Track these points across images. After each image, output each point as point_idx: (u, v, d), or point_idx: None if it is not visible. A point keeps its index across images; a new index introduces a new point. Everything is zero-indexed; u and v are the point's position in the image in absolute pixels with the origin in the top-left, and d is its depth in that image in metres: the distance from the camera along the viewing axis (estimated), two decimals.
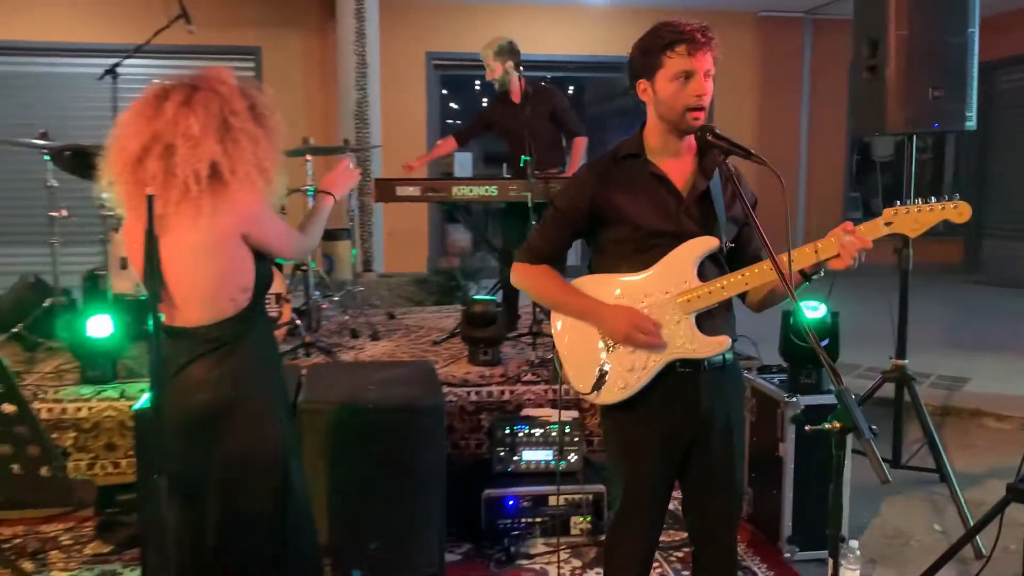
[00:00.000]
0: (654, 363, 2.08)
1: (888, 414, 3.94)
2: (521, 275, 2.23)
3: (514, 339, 4.45)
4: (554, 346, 2.23)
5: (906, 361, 3.75)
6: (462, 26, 9.29)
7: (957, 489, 3.50)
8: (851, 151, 10.74)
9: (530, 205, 4.14)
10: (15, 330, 4.29)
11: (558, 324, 2.20)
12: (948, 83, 3.36)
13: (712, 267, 2.11)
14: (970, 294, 9.01)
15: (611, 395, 2.12)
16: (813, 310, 3.25)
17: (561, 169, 4.92)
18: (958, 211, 1.98)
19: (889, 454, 3.92)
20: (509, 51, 4.91)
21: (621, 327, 2.05)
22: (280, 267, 4.29)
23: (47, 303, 4.37)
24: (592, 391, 2.12)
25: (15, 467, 1.29)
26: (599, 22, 9.40)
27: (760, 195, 2.21)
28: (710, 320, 2.11)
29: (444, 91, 10.06)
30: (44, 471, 1.27)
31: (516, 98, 4.93)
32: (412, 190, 4.42)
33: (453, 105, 11.70)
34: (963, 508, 3.44)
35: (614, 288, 2.12)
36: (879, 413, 4.43)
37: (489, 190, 4.35)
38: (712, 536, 2.26)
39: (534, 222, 4.47)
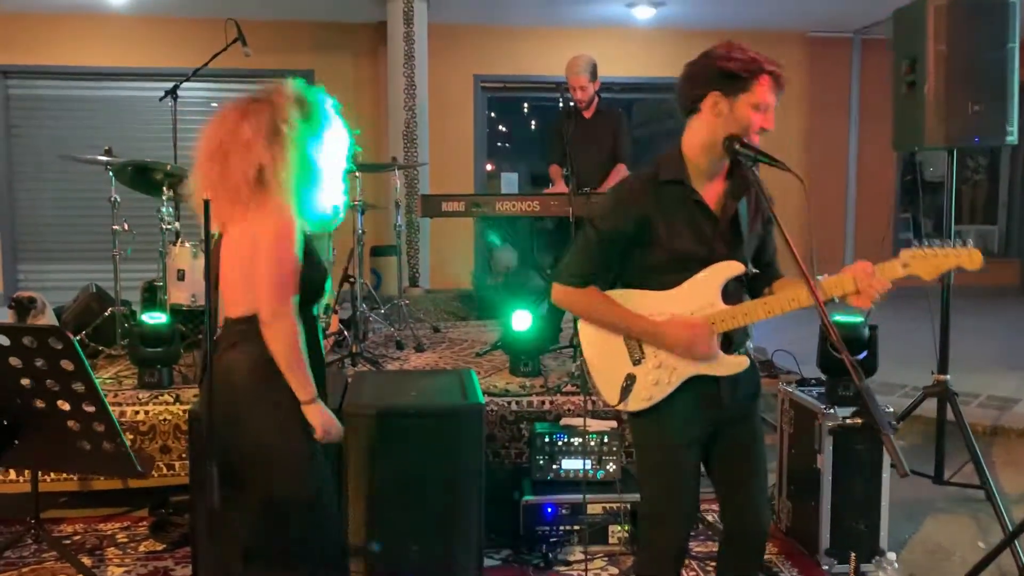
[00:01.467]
0: (677, 377, 2.19)
1: (928, 431, 3.92)
2: (564, 297, 2.24)
3: (556, 350, 4.51)
4: (583, 357, 2.31)
5: (948, 376, 3.72)
6: (509, 49, 9.48)
7: (1000, 504, 3.46)
8: (901, 171, 10.62)
9: (571, 220, 4.22)
10: (78, 338, 4.49)
11: (586, 337, 2.28)
12: (988, 98, 3.36)
13: (735, 287, 2.21)
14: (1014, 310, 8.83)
15: (637, 404, 2.22)
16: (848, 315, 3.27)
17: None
18: (971, 258, 2.02)
19: (931, 470, 3.88)
20: (595, 68, 5.02)
21: (685, 342, 2.13)
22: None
23: (108, 312, 4.57)
24: (620, 401, 2.22)
25: (84, 443, 1.40)
26: (645, 44, 9.48)
27: (790, 212, 2.26)
28: (732, 335, 2.21)
29: (491, 113, 10.25)
30: (107, 446, 1.38)
31: (588, 115, 5.04)
32: (456, 205, 4.53)
33: (501, 128, 11.90)
34: (1008, 525, 3.39)
35: (644, 303, 2.19)
36: (922, 431, 4.41)
37: (532, 205, 4.44)
38: (741, 519, 2.34)
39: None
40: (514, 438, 3.85)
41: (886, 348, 3.46)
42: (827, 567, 3.26)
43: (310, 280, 2.18)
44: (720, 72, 2.08)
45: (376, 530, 3.07)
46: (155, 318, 3.88)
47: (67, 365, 1.29)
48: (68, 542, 3.48)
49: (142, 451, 1.27)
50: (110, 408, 1.27)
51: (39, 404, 1.30)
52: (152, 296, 4.52)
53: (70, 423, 1.29)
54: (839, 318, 3.27)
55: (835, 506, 3.26)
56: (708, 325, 2.13)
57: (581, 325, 2.29)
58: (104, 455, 1.30)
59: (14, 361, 1.28)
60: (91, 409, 1.32)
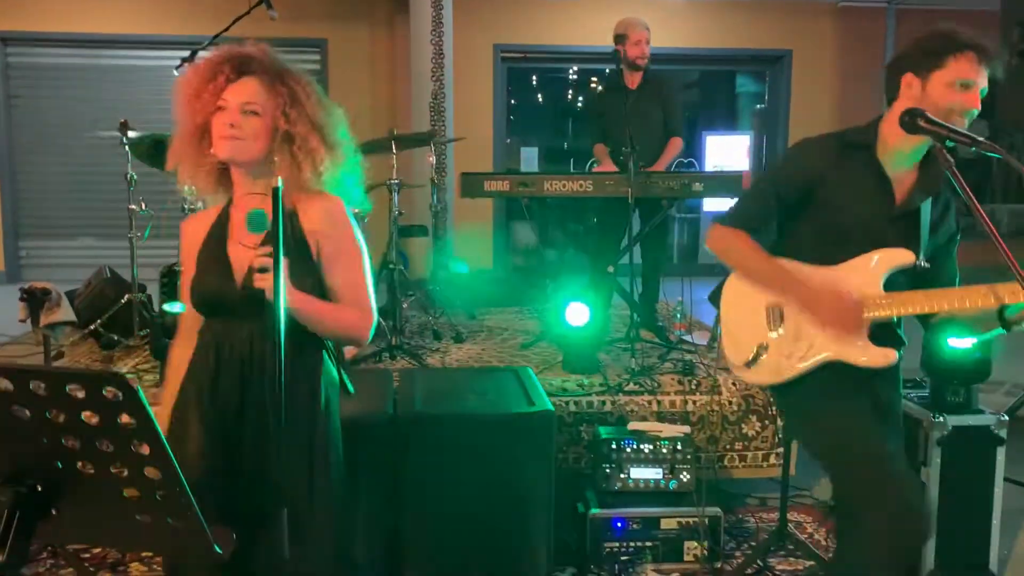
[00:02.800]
0: (813, 355, 2.01)
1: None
2: (719, 236, 2.13)
3: (610, 344, 4.17)
4: (719, 315, 2.20)
5: None
6: (531, 18, 9.06)
7: None
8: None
9: (631, 202, 3.86)
10: (92, 327, 4.15)
11: (728, 295, 2.18)
12: None
13: (901, 282, 2.02)
14: None
15: (760, 376, 2.10)
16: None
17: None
18: None
19: None
20: None
21: (828, 312, 1.95)
22: None
23: (124, 299, 4.22)
24: (745, 366, 2.10)
25: (145, 516, 1.06)
26: (672, 14, 9.06)
27: None
28: (881, 330, 2.02)
29: (509, 86, 9.84)
30: (175, 522, 1.04)
31: (633, 84, 4.66)
32: (501, 185, 4.18)
33: (513, 101, 11.49)
34: None
35: (799, 274, 2.04)
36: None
37: (584, 185, 4.08)
38: None
39: (641, 219, 4.24)
40: (572, 441, 3.53)
41: None
42: None
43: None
44: (915, 51, 1.95)
45: (433, 550, 2.77)
46: (178, 308, 3.53)
47: (127, 420, 0.96)
48: (87, 555, 3.17)
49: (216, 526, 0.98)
50: (181, 474, 0.95)
51: (86, 469, 0.98)
52: (171, 282, 4.17)
53: (127, 492, 0.97)
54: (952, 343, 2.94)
55: (941, 522, 2.94)
56: (859, 306, 1.94)
57: (728, 283, 2.19)
58: (170, 531, 0.99)
59: (55, 415, 0.94)
60: (155, 476, 0.98)
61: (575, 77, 12.17)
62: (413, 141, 4.58)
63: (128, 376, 1.16)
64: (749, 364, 2.09)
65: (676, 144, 4.57)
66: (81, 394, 0.98)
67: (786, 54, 9.24)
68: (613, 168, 4.57)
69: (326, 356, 1.99)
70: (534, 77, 11.91)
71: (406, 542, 2.77)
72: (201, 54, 4.67)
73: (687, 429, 3.32)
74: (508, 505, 2.78)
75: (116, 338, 4.12)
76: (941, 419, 2.90)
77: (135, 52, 8.51)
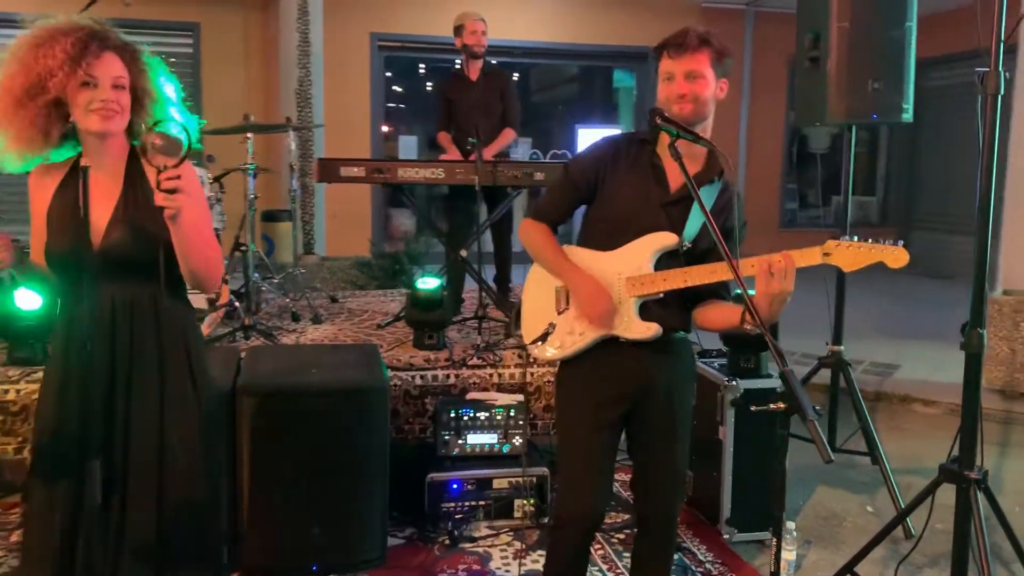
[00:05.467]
0: (590, 334, 2.26)
1: (823, 399, 4.05)
2: (523, 229, 2.37)
3: (459, 323, 4.42)
4: (520, 296, 2.43)
5: (842, 347, 3.84)
6: (408, 8, 9.18)
7: (889, 472, 3.61)
8: (788, 143, 10.98)
9: (477, 189, 4.12)
10: None
11: (530, 279, 2.40)
12: (887, 76, 3.44)
13: (672, 265, 2.20)
14: (902, 284, 9.28)
15: (546, 352, 2.32)
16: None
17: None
18: (895, 256, 2.00)
19: (825, 438, 4.01)
20: None
21: (583, 298, 2.21)
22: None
23: None
24: (533, 343, 2.32)
25: None
26: (545, 8, 9.38)
27: None
28: (659, 309, 2.23)
29: (388, 74, 9.95)
30: None
31: (473, 76, 4.91)
32: (357, 171, 4.34)
33: (397, 89, 11.58)
34: (894, 490, 3.55)
35: (581, 260, 2.27)
36: (815, 399, 4.56)
37: (436, 173, 4.30)
38: (651, 488, 2.38)
39: (485, 207, 4.49)
40: (419, 413, 3.75)
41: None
42: (728, 536, 3.33)
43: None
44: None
45: (276, 514, 2.94)
46: (27, 297, 3.56)
47: None
48: None
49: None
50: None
51: None
52: (21, 261, 4.14)
53: None
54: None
55: (736, 476, 3.32)
56: (608, 294, 2.19)
57: (531, 270, 2.41)
58: None
59: None
60: None
61: (459, 67, 12.36)
62: (265, 128, 4.68)
63: None
64: (539, 340, 2.29)
65: (508, 134, 4.88)
66: None
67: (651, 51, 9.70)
68: (459, 156, 4.82)
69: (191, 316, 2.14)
70: (421, 67, 12.03)
71: (245, 513, 2.91)
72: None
73: (520, 397, 3.61)
74: (346, 473, 2.95)
75: None
76: (734, 382, 3.27)
77: None
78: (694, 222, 2.20)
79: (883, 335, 6.53)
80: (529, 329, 2.36)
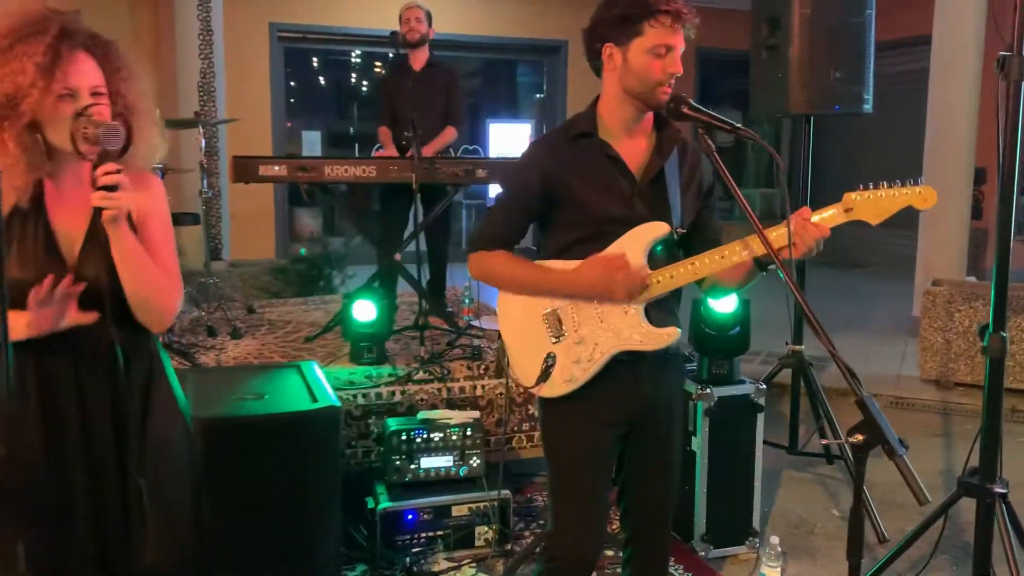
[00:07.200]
0: (600, 354, 1.96)
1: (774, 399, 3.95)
2: (476, 263, 2.03)
3: (398, 332, 4.09)
4: (501, 340, 2.09)
5: (803, 347, 3.73)
6: None
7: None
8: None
9: (415, 188, 3.80)
10: None
11: (504, 317, 2.06)
12: (848, 65, 3.32)
13: (664, 253, 1.97)
14: (818, 277, 9.47)
15: (555, 388, 1.99)
16: (724, 301, 3.13)
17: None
18: (922, 196, 1.82)
19: (786, 440, 3.91)
20: (431, 15, 4.67)
21: (600, 278, 1.88)
22: None
23: None
24: (537, 383, 1.99)
25: None
26: (477, 1, 9.07)
27: None
28: (657, 310, 1.98)
29: (288, 68, 9.43)
30: None
31: (416, 67, 4.60)
32: (278, 170, 3.96)
33: (293, 83, 11.04)
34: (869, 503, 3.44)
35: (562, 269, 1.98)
36: (776, 399, 4.47)
37: (367, 171, 3.96)
38: (646, 521, 2.16)
39: (421, 207, 4.16)
40: (361, 435, 3.42)
41: None
42: (703, 553, 3.14)
43: None
44: (612, 18, 1.86)
45: (216, 560, 2.57)
46: None
47: None
48: None
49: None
50: None
51: None
52: None
53: None
54: (714, 305, 3.13)
55: (710, 489, 3.14)
56: (622, 255, 1.88)
57: (500, 304, 2.07)
58: None
59: None
60: None
61: (359, 60, 11.90)
62: (175, 124, 4.23)
63: None
64: (541, 380, 1.98)
65: (449, 132, 4.57)
66: None
67: (563, 44, 9.55)
68: (395, 153, 4.49)
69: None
70: (316, 59, 11.52)
71: None
72: None
73: (476, 414, 3.32)
74: (294, 508, 2.61)
75: None
76: (708, 391, 3.09)
77: None
78: (677, 202, 1.97)
79: (808, 329, 6.54)
80: (523, 370, 2.03)
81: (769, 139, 11.65)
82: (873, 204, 1.83)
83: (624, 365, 1.97)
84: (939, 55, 5.92)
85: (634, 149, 1.95)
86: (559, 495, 2.08)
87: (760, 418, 3.17)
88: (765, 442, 3.28)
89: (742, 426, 3.16)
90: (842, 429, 3.81)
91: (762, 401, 3.17)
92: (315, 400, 2.72)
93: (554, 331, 1.98)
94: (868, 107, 3.39)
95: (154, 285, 1.64)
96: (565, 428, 2.04)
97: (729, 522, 3.17)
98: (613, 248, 1.91)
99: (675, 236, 1.97)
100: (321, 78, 12.24)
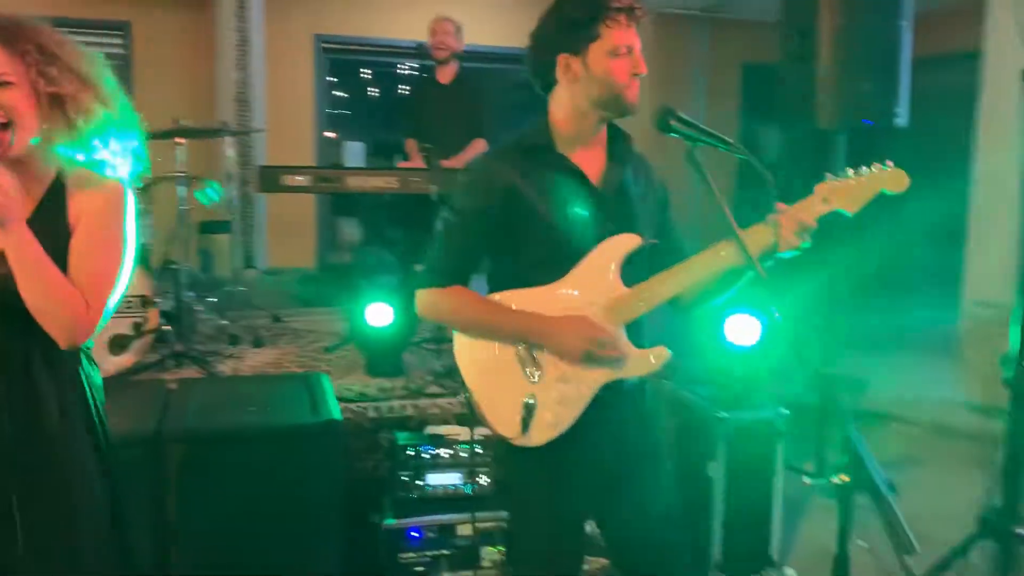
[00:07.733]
0: (588, 389, 1.79)
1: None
2: (431, 303, 1.84)
3: (416, 344, 4.04)
4: (468, 388, 1.85)
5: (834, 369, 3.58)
6: (353, 9, 8.78)
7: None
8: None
9: (435, 199, 3.77)
10: None
11: (466, 360, 1.85)
12: (880, 77, 3.18)
13: (636, 267, 1.82)
14: (859, 294, 9.21)
15: (541, 434, 1.79)
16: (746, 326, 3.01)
17: None
18: (896, 179, 1.74)
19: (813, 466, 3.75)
20: (462, 29, 4.68)
21: (577, 343, 1.73)
22: (147, 262, 3.76)
23: None
24: (522, 434, 1.78)
25: None
26: (501, 12, 9.05)
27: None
28: (634, 329, 1.83)
29: (333, 78, 9.52)
30: None
31: (444, 81, 4.58)
32: (301, 180, 3.97)
33: (339, 94, 11.14)
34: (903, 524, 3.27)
35: (531, 300, 1.80)
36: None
37: (389, 181, 3.94)
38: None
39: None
40: (371, 449, 3.37)
41: None
42: None
43: None
44: (560, 25, 1.75)
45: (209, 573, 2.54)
46: None
47: None
48: None
49: None
50: None
51: None
52: None
53: None
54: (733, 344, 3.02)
55: (726, 515, 3.02)
56: (611, 336, 1.76)
57: (458, 347, 1.85)
58: None
59: None
60: None
61: (406, 72, 11.97)
62: (201, 133, 4.27)
63: None
64: (525, 429, 1.77)
65: (477, 144, 4.52)
66: None
67: None
68: (421, 164, 4.46)
69: (84, 357, 1.74)
70: (368, 71, 11.62)
71: (176, 572, 2.52)
72: None
73: (487, 431, 3.24)
74: (291, 523, 2.59)
75: None
76: (726, 416, 2.97)
77: None
78: (644, 210, 1.86)
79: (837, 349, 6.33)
80: (499, 419, 1.82)
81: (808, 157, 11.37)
82: (847, 193, 1.74)
83: (599, 401, 1.80)
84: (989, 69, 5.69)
85: (592, 159, 1.84)
86: (523, 554, 1.94)
87: (780, 444, 3.05)
88: (790, 467, 3.16)
89: (762, 452, 3.04)
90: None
91: (782, 426, 3.05)
92: (316, 414, 2.69)
93: (530, 371, 1.79)
94: (903, 120, 3.24)
95: (51, 296, 1.55)
96: (538, 478, 1.87)
97: (745, 551, 3.04)
98: (583, 268, 1.79)
99: (646, 247, 1.83)
100: (369, 89, 12.34)
